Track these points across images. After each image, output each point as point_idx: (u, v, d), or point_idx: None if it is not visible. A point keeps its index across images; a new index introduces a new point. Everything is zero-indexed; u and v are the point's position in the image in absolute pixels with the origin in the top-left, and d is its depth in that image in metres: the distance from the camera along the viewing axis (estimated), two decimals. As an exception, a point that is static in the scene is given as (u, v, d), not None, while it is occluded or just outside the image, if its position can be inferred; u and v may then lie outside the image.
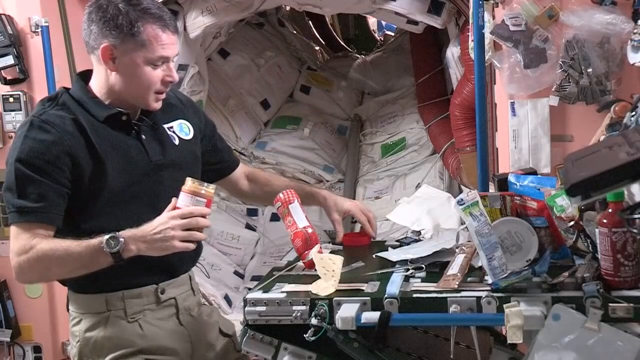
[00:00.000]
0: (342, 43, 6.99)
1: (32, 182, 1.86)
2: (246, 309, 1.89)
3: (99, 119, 1.97)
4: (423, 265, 2.02)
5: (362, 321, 1.79)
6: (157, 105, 2.03)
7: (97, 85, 2.01)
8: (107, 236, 1.83)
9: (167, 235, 1.84)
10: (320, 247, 2.15)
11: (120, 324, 1.98)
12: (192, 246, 1.88)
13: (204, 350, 2.12)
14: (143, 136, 2.03)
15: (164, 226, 1.85)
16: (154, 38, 1.94)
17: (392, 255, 2.16)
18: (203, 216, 1.89)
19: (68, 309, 2.06)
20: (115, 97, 2.00)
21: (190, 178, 1.92)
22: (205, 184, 1.92)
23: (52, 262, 1.86)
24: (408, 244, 2.30)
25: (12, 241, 1.89)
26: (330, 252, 2.23)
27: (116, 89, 1.98)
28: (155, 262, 1.92)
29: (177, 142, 2.10)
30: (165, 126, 2.11)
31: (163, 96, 2.03)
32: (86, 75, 2.05)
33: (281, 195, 2.18)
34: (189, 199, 1.89)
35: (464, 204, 1.82)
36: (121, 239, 1.83)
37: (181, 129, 2.14)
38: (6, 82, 3.37)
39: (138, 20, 1.92)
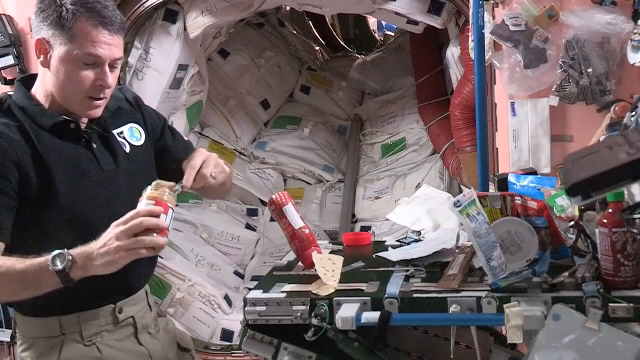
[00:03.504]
0: (342, 43, 6.99)
1: None
2: (246, 308, 1.89)
3: (44, 127, 1.81)
4: (423, 267, 2.02)
5: (362, 321, 1.79)
6: (93, 112, 1.85)
7: (38, 88, 1.86)
8: (53, 253, 1.64)
9: (112, 247, 1.62)
10: (319, 247, 2.15)
11: (77, 348, 1.84)
12: (144, 252, 1.65)
13: None
14: (94, 145, 1.88)
15: (107, 237, 1.64)
16: (85, 33, 1.76)
17: (392, 255, 2.16)
18: (153, 216, 1.66)
19: (15, 333, 1.92)
20: (52, 101, 1.84)
21: (156, 182, 1.73)
22: (168, 190, 1.72)
23: None
24: (408, 244, 2.30)
25: None
26: (330, 252, 2.24)
27: (51, 90, 1.82)
28: (112, 280, 1.74)
29: (127, 149, 1.95)
30: (115, 132, 1.95)
31: (100, 103, 1.85)
32: (27, 81, 1.90)
33: (274, 197, 2.17)
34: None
35: (460, 205, 1.82)
36: (68, 257, 1.64)
37: (132, 134, 1.98)
38: (6, 82, 3.37)
39: (72, 12, 1.75)
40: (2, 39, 3.29)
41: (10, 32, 3.30)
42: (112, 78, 1.83)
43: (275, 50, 5.53)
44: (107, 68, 1.81)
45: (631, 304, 1.68)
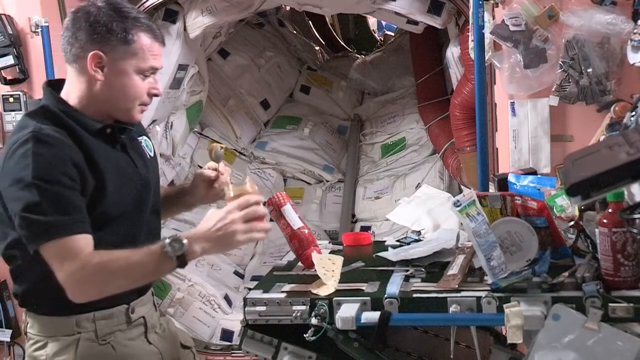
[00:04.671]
0: (342, 43, 6.99)
1: (58, 196, 1.74)
2: (246, 309, 1.89)
3: (90, 132, 1.87)
4: (423, 267, 2.02)
5: (362, 321, 1.79)
6: (140, 117, 1.96)
7: (76, 97, 1.90)
8: (168, 240, 1.74)
9: (229, 231, 1.77)
10: (319, 247, 2.15)
11: (92, 347, 1.87)
12: (258, 236, 1.83)
13: None
14: (128, 150, 1.97)
15: (224, 222, 1.77)
16: (147, 47, 1.88)
17: (392, 255, 2.16)
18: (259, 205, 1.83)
19: (26, 333, 1.94)
20: (95, 108, 1.90)
21: (229, 184, 1.89)
22: (247, 181, 1.88)
23: (113, 274, 1.75)
24: (408, 244, 2.30)
25: (57, 261, 1.73)
26: (330, 252, 2.24)
27: (100, 99, 1.89)
28: None
29: (148, 157, 2.06)
30: (139, 139, 2.07)
31: (146, 109, 1.97)
32: (54, 87, 1.95)
33: (272, 198, 2.18)
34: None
35: (460, 205, 1.82)
36: (184, 241, 1.74)
37: (147, 145, 2.09)
38: (6, 82, 3.38)
39: (132, 29, 1.86)
40: (2, 39, 3.29)
41: (10, 32, 3.30)
42: None
43: (275, 50, 5.53)
44: (156, 77, 1.94)
45: (631, 304, 1.69)
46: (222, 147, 2.09)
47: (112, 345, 1.89)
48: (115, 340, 1.90)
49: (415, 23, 3.75)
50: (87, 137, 1.85)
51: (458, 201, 1.83)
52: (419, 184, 4.40)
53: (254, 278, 4.35)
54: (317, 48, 6.37)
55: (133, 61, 1.87)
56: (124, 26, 1.85)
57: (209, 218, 1.79)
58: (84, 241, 1.75)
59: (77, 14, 1.88)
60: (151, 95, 1.94)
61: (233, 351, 3.85)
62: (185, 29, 3.86)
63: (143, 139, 2.07)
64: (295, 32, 6.17)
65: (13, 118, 3.34)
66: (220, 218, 1.78)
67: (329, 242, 2.48)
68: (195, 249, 1.76)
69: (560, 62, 2.68)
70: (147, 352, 1.97)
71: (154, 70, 1.92)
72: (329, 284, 1.90)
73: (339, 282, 1.92)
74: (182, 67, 3.94)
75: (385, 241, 2.47)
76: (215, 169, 2.10)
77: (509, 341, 1.73)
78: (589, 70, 2.65)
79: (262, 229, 1.82)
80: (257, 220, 1.81)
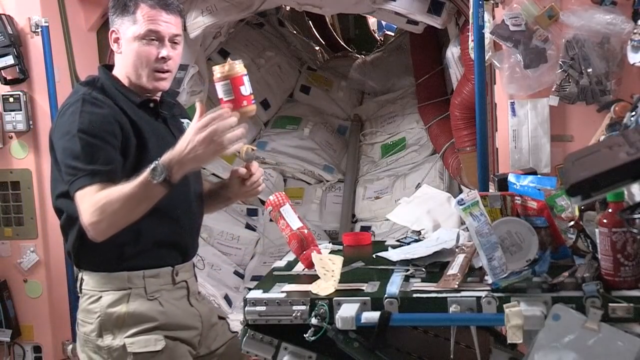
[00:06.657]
0: (342, 43, 6.98)
1: (98, 148, 1.95)
2: (246, 309, 1.89)
3: (134, 103, 2.08)
4: (423, 267, 2.02)
5: (362, 321, 1.79)
6: (159, 84, 2.11)
7: (119, 75, 2.13)
8: (150, 167, 1.86)
9: (199, 153, 1.84)
10: (318, 247, 2.15)
11: (142, 301, 2.05)
12: (234, 148, 1.87)
13: (209, 330, 2.20)
14: (169, 122, 2.17)
15: (192, 144, 1.84)
16: (144, 14, 2.06)
17: (392, 255, 2.16)
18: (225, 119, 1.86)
19: (81, 290, 2.11)
20: (130, 83, 2.11)
21: (216, 66, 1.94)
22: (229, 62, 1.92)
23: (113, 206, 1.88)
24: (408, 244, 2.31)
25: (82, 204, 1.91)
26: (330, 252, 2.24)
27: (125, 71, 2.11)
28: (171, 244, 2.08)
29: None
30: (181, 120, 2.26)
31: (164, 76, 2.12)
32: (107, 67, 2.18)
33: (272, 198, 2.19)
34: (220, 86, 1.92)
35: (464, 204, 1.82)
36: (162, 167, 1.85)
37: (188, 127, 2.19)
38: (6, 82, 3.37)
39: (134, 1, 2.07)
40: (2, 39, 3.28)
41: (10, 32, 3.30)
42: (173, 53, 2.12)
43: (275, 50, 5.52)
44: (167, 43, 2.09)
45: (631, 304, 1.69)
46: (253, 149, 2.19)
47: (160, 301, 2.07)
48: (162, 297, 2.08)
49: (415, 23, 3.75)
50: (131, 106, 2.07)
51: (462, 200, 1.83)
52: (419, 184, 4.40)
53: (254, 278, 4.35)
54: (317, 48, 6.36)
55: (134, 28, 2.06)
56: (125, 1, 2.09)
57: (182, 140, 1.87)
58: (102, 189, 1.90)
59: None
60: (158, 60, 2.08)
61: (233, 351, 3.85)
62: (185, 29, 3.86)
63: (185, 121, 2.23)
64: (295, 32, 6.16)
65: (13, 118, 3.34)
66: (189, 141, 1.85)
67: (329, 242, 2.48)
68: (175, 171, 1.86)
69: (560, 62, 2.68)
70: (189, 313, 2.14)
71: (154, 34, 2.07)
72: (329, 284, 1.90)
73: (339, 282, 1.92)
74: (182, 67, 3.93)
75: (385, 241, 2.47)
76: (248, 168, 2.21)
77: (509, 341, 1.73)
78: (589, 70, 2.65)
79: (231, 141, 1.85)
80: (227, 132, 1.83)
